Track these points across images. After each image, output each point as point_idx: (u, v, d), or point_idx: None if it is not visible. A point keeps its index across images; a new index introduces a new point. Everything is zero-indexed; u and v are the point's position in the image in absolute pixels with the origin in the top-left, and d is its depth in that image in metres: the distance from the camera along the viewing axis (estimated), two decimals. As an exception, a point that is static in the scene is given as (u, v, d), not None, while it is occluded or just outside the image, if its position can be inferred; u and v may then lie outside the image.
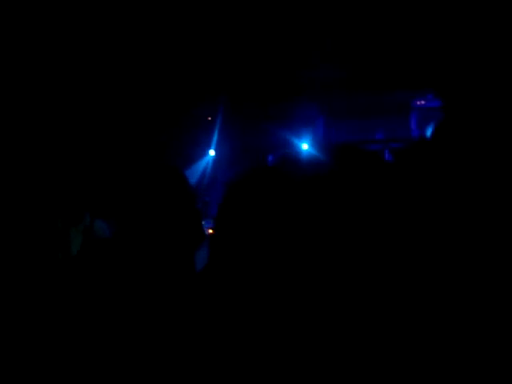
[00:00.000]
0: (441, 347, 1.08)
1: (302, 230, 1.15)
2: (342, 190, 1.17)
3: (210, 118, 10.86)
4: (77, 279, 2.34)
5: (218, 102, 10.35)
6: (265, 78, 9.40)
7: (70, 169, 8.89)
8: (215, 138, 10.90)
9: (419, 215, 1.18)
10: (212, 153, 10.99)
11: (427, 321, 1.10)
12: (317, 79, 9.32)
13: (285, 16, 8.10)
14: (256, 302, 1.12)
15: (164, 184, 2.52)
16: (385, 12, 7.89)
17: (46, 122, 9.08)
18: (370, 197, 1.19)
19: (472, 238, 1.12)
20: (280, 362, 1.08)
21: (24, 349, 2.07)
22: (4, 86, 7.62)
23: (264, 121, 10.45)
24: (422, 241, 1.14)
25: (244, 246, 1.18)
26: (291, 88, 9.59)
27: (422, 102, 9.87)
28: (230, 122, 10.68)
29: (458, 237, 1.13)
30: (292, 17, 8.09)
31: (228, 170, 11.15)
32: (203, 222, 2.57)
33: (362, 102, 9.91)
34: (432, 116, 9.84)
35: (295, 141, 10.62)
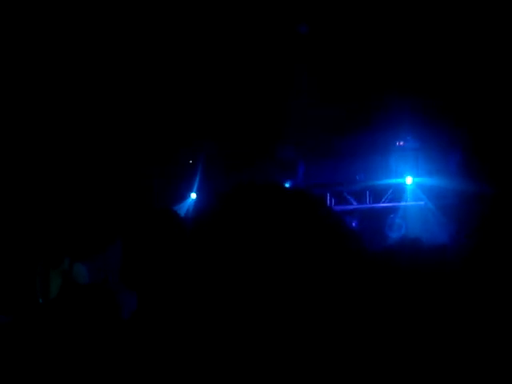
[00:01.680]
0: None
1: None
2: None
3: (191, 162, 10.87)
4: (53, 326, 2.30)
5: (200, 146, 10.38)
6: (246, 123, 9.46)
7: (51, 213, 8.83)
8: (197, 181, 10.88)
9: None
10: (193, 196, 10.97)
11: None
12: (296, 121, 9.40)
13: (266, 60, 8.20)
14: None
15: (157, 228, 2.48)
16: (367, 56, 8.03)
17: (26, 168, 9.03)
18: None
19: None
20: None
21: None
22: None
23: (245, 163, 10.47)
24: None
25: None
26: (272, 131, 9.66)
27: (401, 143, 9.97)
28: (212, 164, 10.69)
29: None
30: (273, 61, 8.20)
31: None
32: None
33: (342, 143, 9.98)
34: (411, 157, 9.93)
35: (275, 182, 10.62)
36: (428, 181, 9.90)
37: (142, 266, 2.22)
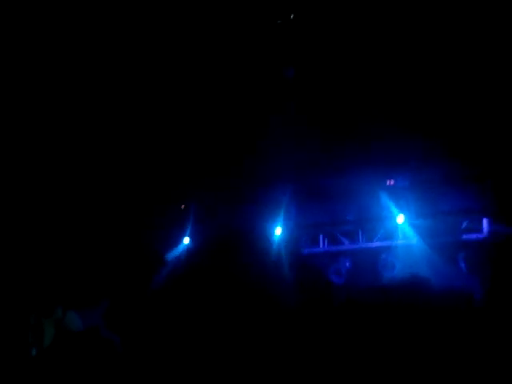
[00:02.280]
0: None
1: None
2: None
3: (183, 207, 10.89)
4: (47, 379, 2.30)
5: (192, 191, 10.43)
6: (237, 164, 9.53)
7: (42, 264, 8.81)
8: (190, 225, 10.90)
9: None
10: (186, 240, 10.97)
11: None
12: (287, 163, 9.48)
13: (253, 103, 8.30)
14: None
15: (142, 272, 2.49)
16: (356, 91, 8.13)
17: (18, 218, 9.04)
18: None
19: None
20: None
21: None
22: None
23: (237, 205, 10.50)
24: None
25: None
26: (264, 172, 9.72)
27: (392, 182, 10.04)
28: (205, 208, 10.72)
29: None
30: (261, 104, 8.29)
31: (204, 256, 11.11)
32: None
33: (332, 184, 10.04)
34: (401, 195, 9.99)
35: (269, 225, 10.66)
36: (419, 219, 9.94)
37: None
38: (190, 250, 10.97)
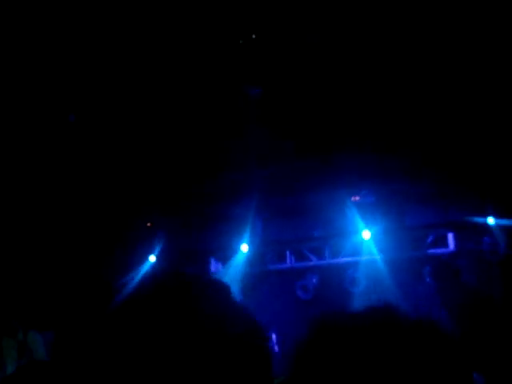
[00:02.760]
0: None
1: None
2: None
3: (149, 224, 10.82)
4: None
5: (158, 209, 10.36)
6: (201, 182, 9.49)
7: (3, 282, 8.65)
8: (156, 243, 10.82)
9: None
10: (152, 259, 10.88)
11: None
12: (252, 181, 9.47)
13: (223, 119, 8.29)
14: None
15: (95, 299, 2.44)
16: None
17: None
18: None
19: None
20: None
21: None
22: None
23: (203, 223, 10.46)
24: None
25: None
26: (229, 189, 9.70)
27: (357, 198, 10.09)
28: (170, 226, 10.66)
29: None
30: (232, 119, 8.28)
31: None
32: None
33: (298, 200, 10.06)
34: (367, 210, 10.04)
35: (234, 242, 10.63)
36: (385, 234, 9.99)
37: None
38: (154, 269, 10.88)
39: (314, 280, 10.65)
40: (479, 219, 9.53)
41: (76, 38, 6.86)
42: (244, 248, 10.62)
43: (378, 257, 10.12)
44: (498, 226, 9.48)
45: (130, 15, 6.77)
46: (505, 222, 9.45)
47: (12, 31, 6.69)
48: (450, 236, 9.94)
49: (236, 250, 10.69)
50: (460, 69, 7.18)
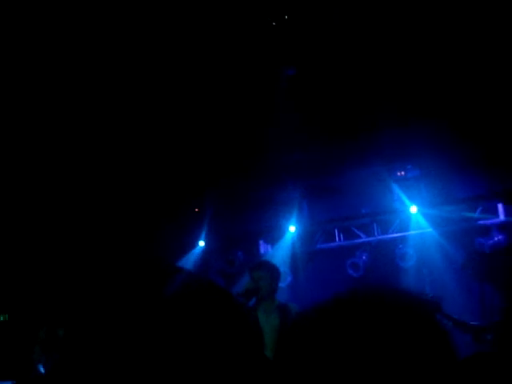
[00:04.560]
0: None
1: None
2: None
3: (197, 210, 10.94)
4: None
5: (205, 193, 10.47)
6: (247, 166, 9.54)
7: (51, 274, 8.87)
8: (204, 228, 10.95)
9: None
10: (202, 243, 11.02)
11: None
12: (298, 162, 9.48)
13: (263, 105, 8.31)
14: None
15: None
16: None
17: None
18: None
19: None
20: None
21: None
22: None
23: (250, 207, 10.53)
24: None
25: None
26: (274, 173, 9.73)
27: (403, 173, 10.00)
28: (218, 211, 10.76)
29: None
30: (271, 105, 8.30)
31: (220, 258, 11.16)
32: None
33: (343, 179, 10.03)
34: (413, 184, 9.95)
35: (282, 224, 10.68)
36: (432, 208, 9.90)
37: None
38: (205, 253, 11.03)
39: (364, 257, 10.62)
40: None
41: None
42: (292, 229, 10.67)
43: (427, 230, 10.05)
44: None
45: None
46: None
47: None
48: (500, 206, 9.78)
49: (284, 231, 10.74)
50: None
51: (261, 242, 11.23)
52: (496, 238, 9.68)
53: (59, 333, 5.82)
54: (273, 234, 10.92)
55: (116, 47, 7.30)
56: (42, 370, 5.85)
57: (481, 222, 9.91)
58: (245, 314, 1.19)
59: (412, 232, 10.25)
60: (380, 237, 10.64)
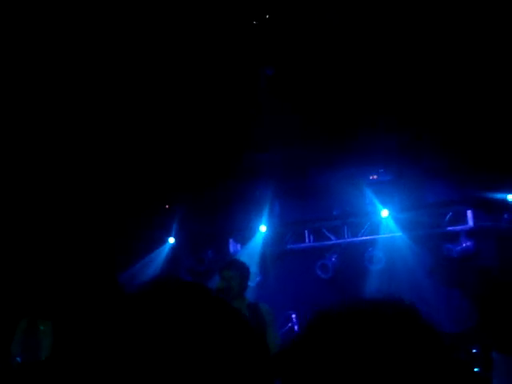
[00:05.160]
0: None
1: None
2: None
3: (167, 206, 10.87)
4: None
5: (176, 191, 10.40)
6: (219, 164, 9.50)
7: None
8: (174, 225, 10.89)
9: None
10: (171, 240, 10.96)
11: None
12: (271, 162, 9.46)
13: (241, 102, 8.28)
14: None
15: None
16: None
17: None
18: None
19: None
20: None
21: None
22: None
23: (221, 205, 10.49)
24: None
25: None
26: (246, 172, 9.70)
27: (375, 177, 10.05)
28: (188, 208, 10.70)
29: None
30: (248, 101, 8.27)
31: (189, 255, 11.11)
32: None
33: (316, 180, 10.04)
34: (385, 189, 10.01)
35: (253, 223, 10.66)
36: (403, 212, 9.97)
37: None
38: (174, 250, 10.98)
39: (334, 259, 10.66)
40: (499, 196, 9.46)
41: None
42: (263, 229, 10.66)
43: (397, 234, 10.12)
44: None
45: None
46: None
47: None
48: (469, 213, 9.88)
49: (255, 230, 10.73)
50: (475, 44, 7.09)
51: (231, 240, 11.21)
52: (464, 245, 9.78)
53: (39, 325, 5.73)
54: (243, 234, 10.90)
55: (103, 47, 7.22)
56: (19, 360, 5.76)
57: (450, 227, 10.00)
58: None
59: (382, 235, 10.31)
60: (350, 239, 10.68)
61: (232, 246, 11.20)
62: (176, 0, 6.39)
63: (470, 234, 9.82)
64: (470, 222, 9.86)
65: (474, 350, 7.18)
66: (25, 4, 6.48)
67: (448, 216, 10.01)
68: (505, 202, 9.49)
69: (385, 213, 10.03)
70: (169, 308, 1.09)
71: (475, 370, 6.43)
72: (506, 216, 9.62)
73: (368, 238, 10.48)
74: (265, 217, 10.59)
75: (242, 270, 6.20)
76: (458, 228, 9.94)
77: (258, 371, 1.06)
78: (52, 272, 8.78)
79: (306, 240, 10.98)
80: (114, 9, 6.50)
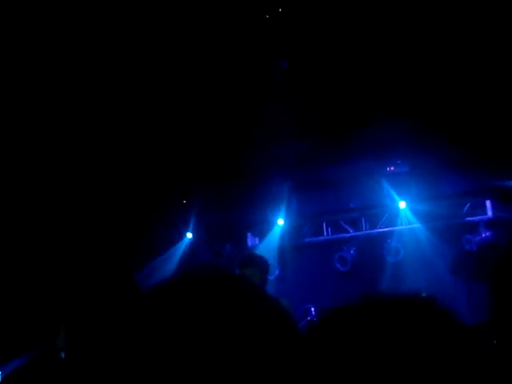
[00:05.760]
0: None
1: None
2: None
3: (185, 202, 10.89)
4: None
5: (193, 186, 10.42)
6: (236, 159, 9.50)
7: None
8: (192, 220, 10.91)
9: None
10: (189, 235, 10.98)
11: None
12: (287, 156, 9.45)
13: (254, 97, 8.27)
14: None
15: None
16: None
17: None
18: None
19: None
20: None
21: None
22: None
23: (238, 200, 10.49)
24: None
25: None
26: (263, 166, 9.69)
27: (392, 169, 10.00)
28: (206, 203, 10.72)
29: None
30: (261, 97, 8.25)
31: (207, 250, 11.13)
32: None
33: (332, 172, 10.00)
34: (402, 181, 9.95)
35: (270, 217, 10.66)
36: (421, 204, 9.91)
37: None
38: (193, 245, 11.01)
39: (352, 251, 10.63)
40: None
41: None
42: (280, 222, 10.65)
43: (415, 226, 10.07)
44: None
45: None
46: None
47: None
48: (488, 203, 9.80)
49: (272, 224, 10.73)
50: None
51: (249, 234, 11.22)
52: (483, 235, 9.71)
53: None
54: (261, 227, 10.90)
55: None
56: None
57: (469, 218, 9.93)
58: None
59: (400, 227, 10.26)
60: (368, 231, 10.64)
61: (250, 240, 11.21)
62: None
63: (489, 224, 9.75)
64: (489, 213, 9.78)
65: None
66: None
67: (466, 207, 9.94)
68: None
69: (402, 204, 9.98)
70: (195, 305, 1.08)
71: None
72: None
73: (386, 229, 10.44)
74: (282, 210, 10.58)
75: (262, 265, 6.21)
76: (477, 218, 9.86)
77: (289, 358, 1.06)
78: (64, 271, 8.84)
79: (324, 233, 10.96)
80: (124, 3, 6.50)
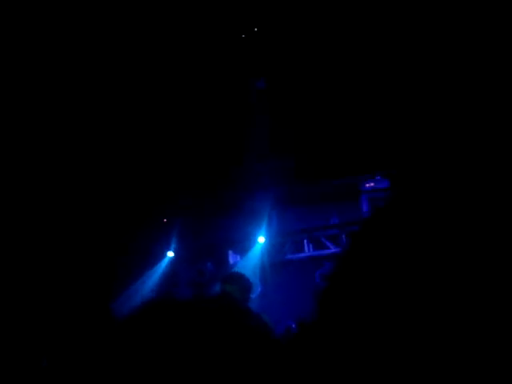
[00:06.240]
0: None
1: None
2: None
3: (165, 220, 10.87)
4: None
5: (173, 204, 10.40)
6: (216, 176, 9.51)
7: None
8: (173, 239, 10.88)
9: None
10: (170, 254, 10.95)
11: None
12: (267, 172, 9.47)
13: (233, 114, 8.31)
14: None
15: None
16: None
17: None
18: None
19: None
20: None
21: None
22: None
23: (219, 217, 10.50)
24: None
25: None
26: (243, 183, 9.71)
27: (372, 184, 10.05)
28: (187, 221, 10.70)
29: None
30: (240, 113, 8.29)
31: (189, 268, 11.10)
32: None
33: (313, 189, 10.04)
34: (382, 197, 10.01)
35: (251, 234, 10.66)
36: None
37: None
38: (173, 264, 10.97)
39: (333, 268, 10.64)
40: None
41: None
42: (261, 240, 10.66)
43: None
44: None
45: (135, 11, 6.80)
46: None
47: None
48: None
49: (253, 241, 10.72)
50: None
51: (230, 252, 11.20)
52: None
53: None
54: (242, 245, 10.90)
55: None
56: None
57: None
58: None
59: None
60: (349, 247, 10.65)
61: (231, 258, 11.20)
62: (164, 15, 6.43)
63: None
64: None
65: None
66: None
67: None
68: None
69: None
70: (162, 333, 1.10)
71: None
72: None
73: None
74: (263, 227, 10.59)
75: (243, 282, 6.21)
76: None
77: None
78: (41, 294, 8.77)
79: (305, 249, 10.97)
80: (111, 19, 6.53)
